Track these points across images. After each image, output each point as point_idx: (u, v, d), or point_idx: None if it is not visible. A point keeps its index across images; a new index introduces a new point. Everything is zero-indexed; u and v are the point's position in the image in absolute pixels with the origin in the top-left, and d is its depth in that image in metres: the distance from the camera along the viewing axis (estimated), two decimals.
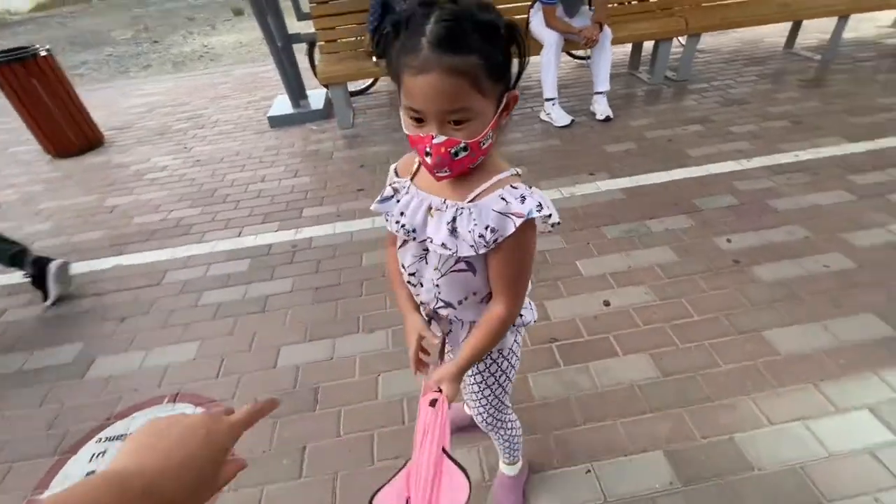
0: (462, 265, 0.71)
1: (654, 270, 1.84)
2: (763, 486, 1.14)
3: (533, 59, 3.31)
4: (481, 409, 0.95)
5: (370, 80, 4.01)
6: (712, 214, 2.11)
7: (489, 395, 0.92)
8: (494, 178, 0.65)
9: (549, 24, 2.93)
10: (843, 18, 3.53)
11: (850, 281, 1.69)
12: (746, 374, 1.41)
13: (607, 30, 2.95)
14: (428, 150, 0.59)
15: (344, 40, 3.50)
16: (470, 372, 0.89)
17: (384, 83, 4.11)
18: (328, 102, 3.72)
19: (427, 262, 0.75)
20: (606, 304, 1.71)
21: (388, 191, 0.75)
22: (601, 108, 3.08)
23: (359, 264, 2.06)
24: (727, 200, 2.19)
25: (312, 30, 3.47)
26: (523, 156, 2.81)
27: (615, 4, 3.52)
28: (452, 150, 0.58)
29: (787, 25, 4.01)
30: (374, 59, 3.21)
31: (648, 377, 1.43)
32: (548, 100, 3.10)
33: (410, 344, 0.80)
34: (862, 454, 1.18)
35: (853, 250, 1.82)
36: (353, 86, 3.93)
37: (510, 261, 0.68)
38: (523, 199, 0.63)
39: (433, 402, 0.68)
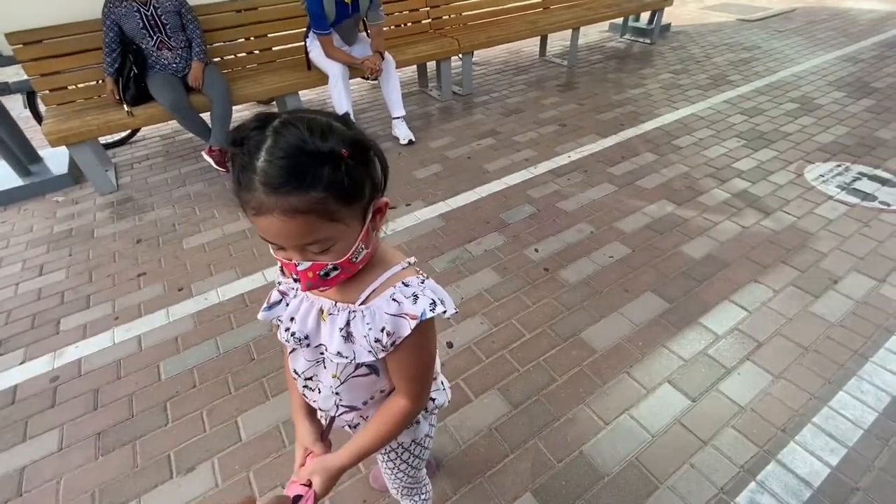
0: (363, 369, 0.68)
1: (483, 296, 1.90)
2: (614, 491, 1.25)
3: (321, 88, 3.16)
4: (395, 483, 0.97)
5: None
6: (519, 227, 2.29)
7: (404, 470, 0.93)
8: (385, 275, 0.62)
9: (328, 55, 2.81)
10: (576, 30, 4.27)
11: (629, 266, 2.01)
12: (578, 381, 1.54)
13: (389, 57, 2.97)
14: (295, 276, 0.55)
15: (76, 87, 2.79)
16: (383, 450, 0.87)
17: (152, 128, 3.45)
18: (75, 163, 2.93)
19: (325, 367, 0.70)
20: (450, 345, 1.70)
21: (274, 295, 0.70)
22: (402, 132, 3.10)
23: (156, 379, 1.64)
24: (527, 210, 2.41)
25: (25, 76, 2.67)
26: None
27: (391, 27, 3.59)
28: (321, 273, 0.55)
29: (538, 38, 4.70)
30: (126, 108, 2.63)
31: (502, 414, 1.46)
32: None
33: (297, 458, 0.75)
34: (674, 426, 1.40)
35: (625, 237, 2.19)
36: (107, 135, 3.18)
37: (411, 360, 0.65)
38: (416, 298, 0.60)
39: (296, 500, 0.62)
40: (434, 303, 0.60)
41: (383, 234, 0.65)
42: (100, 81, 2.76)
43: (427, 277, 0.64)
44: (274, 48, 3.26)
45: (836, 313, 1.73)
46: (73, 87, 2.78)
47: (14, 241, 2.45)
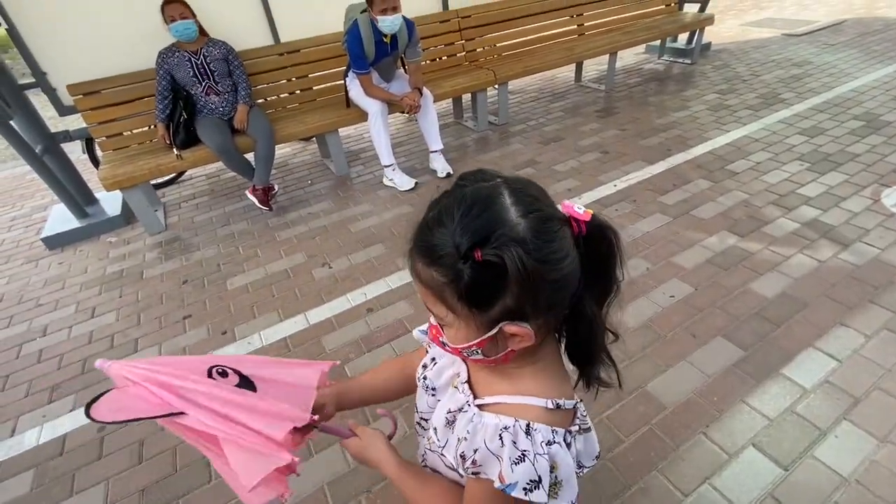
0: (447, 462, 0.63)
1: None
2: None
3: (361, 125, 3.21)
4: None
5: None
6: None
7: None
8: (519, 399, 0.54)
9: (368, 94, 2.83)
10: (613, 55, 4.19)
11: (694, 306, 1.85)
12: (648, 443, 1.39)
13: (427, 92, 2.97)
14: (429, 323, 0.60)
15: (130, 133, 2.92)
16: None
17: (198, 167, 3.57)
18: (127, 204, 3.05)
19: (429, 421, 0.69)
20: None
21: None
22: (440, 165, 3.07)
23: None
24: None
25: (84, 124, 2.82)
26: (375, 231, 2.62)
27: (427, 62, 3.62)
28: (441, 338, 0.56)
29: (573, 64, 4.64)
30: (176, 151, 2.72)
31: None
32: (386, 166, 2.98)
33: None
34: (765, 501, 1.22)
35: (686, 273, 2.03)
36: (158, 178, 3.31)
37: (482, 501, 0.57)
38: (522, 458, 0.50)
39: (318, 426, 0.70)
40: (538, 482, 0.49)
41: None
42: (152, 127, 2.89)
43: (583, 430, 0.56)
44: (314, 87, 3.33)
45: None
46: (128, 132, 2.92)
47: (69, 282, 2.54)
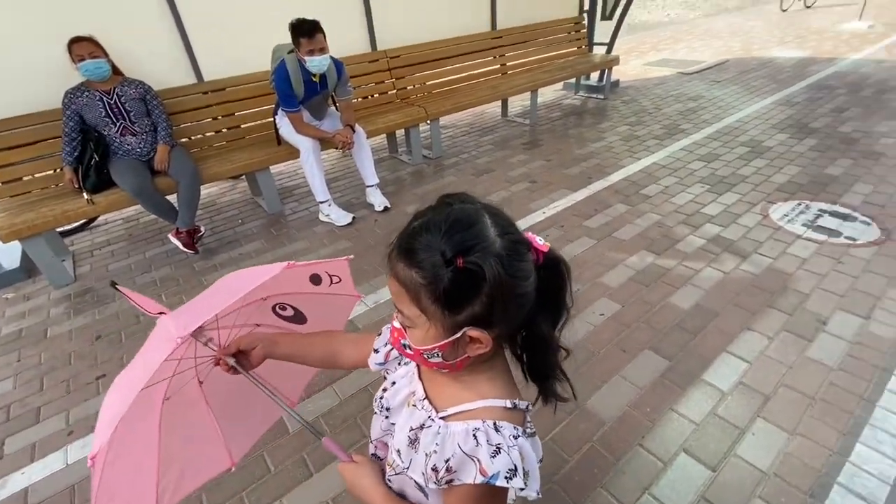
0: (414, 482, 0.64)
1: None
2: None
3: (294, 162, 3.16)
4: None
5: None
6: None
7: None
8: (479, 403, 0.58)
9: (299, 131, 2.82)
10: (534, 92, 4.50)
11: (622, 322, 1.98)
12: (591, 460, 1.43)
13: (359, 129, 3.01)
14: (391, 327, 0.64)
15: (31, 177, 2.67)
16: None
17: (112, 213, 3.31)
18: (28, 255, 2.74)
19: (389, 446, 0.71)
20: None
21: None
22: (377, 199, 3.09)
23: None
24: None
25: None
26: None
27: (359, 99, 3.68)
28: (402, 341, 0.60)
29: (500, 100, 4.92)
30: (86, 195, 2.51)
31: None
32: (322, 202, 2.95)
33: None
34: (699, 502, 1.29)
35: (613, 292, 2.17)
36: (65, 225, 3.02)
37: None
38: (498, 451, 0.54)
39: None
40: (515, 471, 0.54)
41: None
42: (57, 170, 2.65)
43: (529, 435, 0.59)
44: (242, 125, 3.26)
45: (833, 357, 1.72)
46: (29, 177, 2.66)
47: None
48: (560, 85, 5.90)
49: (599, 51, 5.46)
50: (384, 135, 4.24)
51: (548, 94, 5.74)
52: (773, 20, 10.03)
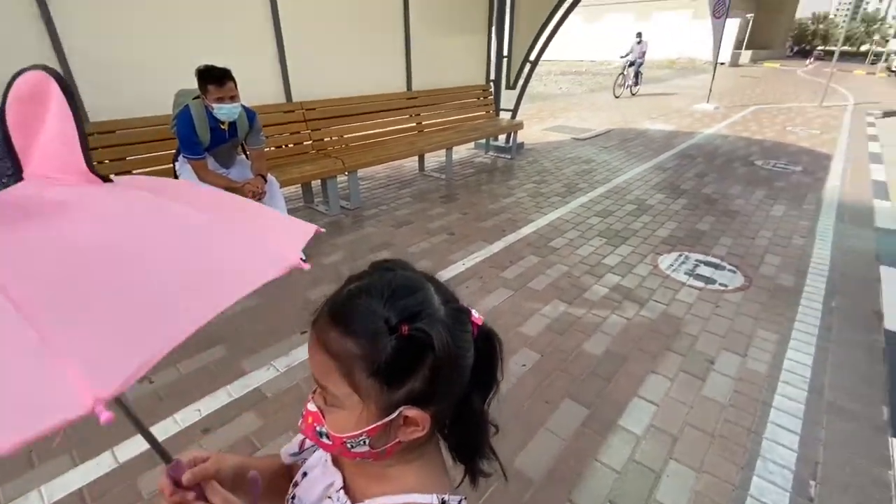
0: None
1: None
2: None
3: None
4: None
5: None
6: None
7: None
8: (404, 498, 0.51)
9: (203, 180, 2.61)
10: (449, 149, 4.74)
11: (543, 372, 2.02)
12: None
13: (272, 179, 2.88)
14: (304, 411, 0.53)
15: None
16: None
17: None
18: None
19: None
20: None
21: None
22: None
23: None
24: None
25: None
26: (214, 328, 2.28)
27: (272, 148, 3.56)
28: (316, 427, 0.51)
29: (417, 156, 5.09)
30: None
31: None
32: None
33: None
34: None
35: (532, 341, 2.23)
36: None
37: None
38: None
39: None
40: None
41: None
42: None
43: None
44: (134, 171, 2.94)
45: (723, 394, 1.90)
46: None
47: None
48: (472, 144, 6.29)
49: (505, 116, 5.97)
50: (299, 185, 4.12)
51: (461, 151, 6.08)
52: (641, 101, 11.87)
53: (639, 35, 12.16)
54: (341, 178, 3.86)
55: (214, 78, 2.39)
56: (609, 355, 2.14)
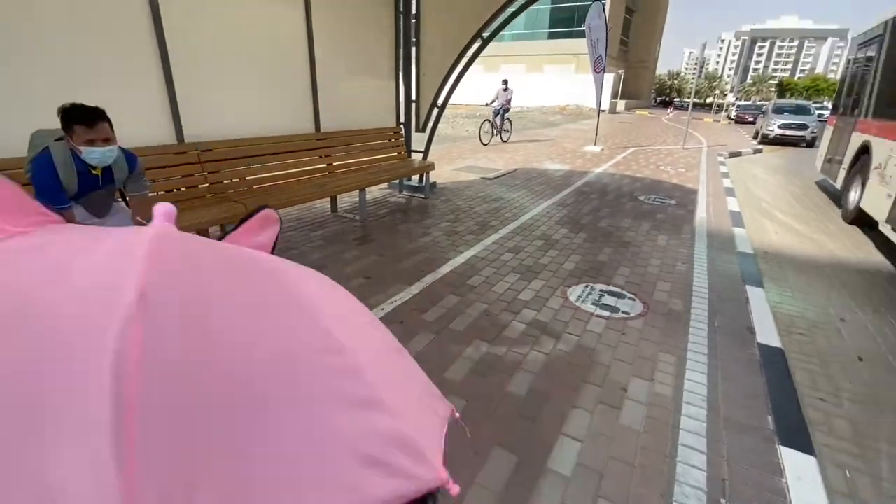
0: None
1: None
2: None
3: None
4: None
5: None
6: None
7: None
8: None
9: None
10: (362, 190, 4.66)
11: (470, 419, 1.96)
12: None
13: None
14: None
15: None
16: None
17: None
18: None
19: None
20: None
21: None
22: None
23: None
24: None
25: None
26: None
27: (160, 193, 3.20)
28: None
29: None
30: None
31: None
32: None
33: None
34: None
35: (457, 386, 2.17)
36: None
37: None
38: None
39: None
40: None
41: None
42: None
43: None
44: None
45: (638, 421, 1.99)
46: None
47: None
48: (386, 184, 6.29)
49: (417, 157, 6.09)
50: (194, 232, 3.73)
51: (375, 192, 6.04)
52: (539, 144, 12.94)
53: (504, 82, 11.68)
54: None
55: (84, 118, 2.08)
56: (532, 394, 2.15)
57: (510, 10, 5.19)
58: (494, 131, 11.69)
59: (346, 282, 3.25)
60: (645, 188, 7.07)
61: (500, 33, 5.66)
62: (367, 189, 4.94)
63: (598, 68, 10.93)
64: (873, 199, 5.05)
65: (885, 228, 4.54)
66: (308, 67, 4.40)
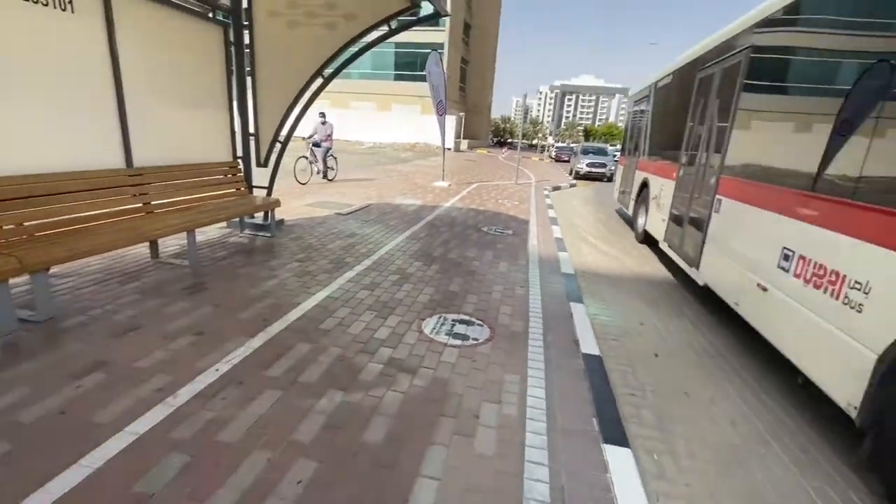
0: None
1: None
2: None
3: None
4: None
5: None
6: (170, 495, 1.68)
7: None
8: None
9: None
10: (191, 232, 4.10)
11: (325, 484, 1.79)
12: None
13: None
14: None
15: None
16: None
17: None
18: None
19: None
20: None
21: None
22: None
23: None
24: (176, 463, 1.83)
25: None
26: None
27: None
28: None
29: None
30: None
31: None
32: None
33: None
34: None
35: (308, 448, 1.98)
36: None
37: None
38: None
39: None
40: None
41: None
42: None
43: None
44: None
45: (490, 446, 2.09)
46: None
47: None
48: (225, 223, 5.67)
49: (261, 193, 5.67)
50: None
51: (211, 231, 5.39)
52: (392, 180, 13.32)
53: (322, 115, 10.60)
54: (20, 280, 2.80)
55: None
56: (390, 439, 2.09)
57: (351, 49, 5.29)
58: (316, 169, 10.67)
59: (168, 342, 2.77)
60: (487, 220, 7.77)
61: (348, 71, 5.73)
62: (201, 230, 4.39)
63: (441, 111, 11.85)
64: (653, 223, 6.42)
65: (664, 246, 5.79)
66: (113, 92, 3.78)
